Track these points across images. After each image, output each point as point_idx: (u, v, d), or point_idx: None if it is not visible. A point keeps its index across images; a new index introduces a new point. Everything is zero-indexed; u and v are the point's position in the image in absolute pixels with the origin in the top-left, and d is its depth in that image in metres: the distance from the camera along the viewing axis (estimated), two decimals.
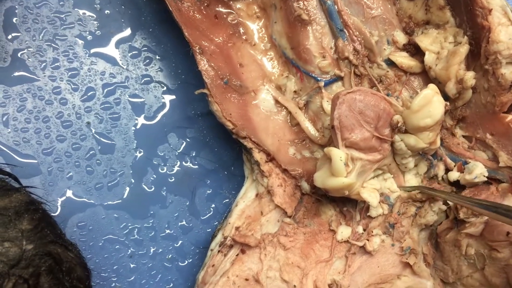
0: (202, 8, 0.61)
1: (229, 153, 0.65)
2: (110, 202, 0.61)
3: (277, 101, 0.62)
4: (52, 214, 0.56)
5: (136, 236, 0.62)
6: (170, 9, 0.59)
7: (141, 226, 0.62)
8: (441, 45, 0.58)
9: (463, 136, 0.60)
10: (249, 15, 0.63)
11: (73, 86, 0.63)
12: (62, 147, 0.61)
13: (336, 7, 0.59)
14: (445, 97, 0.58)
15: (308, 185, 0.60)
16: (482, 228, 0.55)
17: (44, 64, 0.62)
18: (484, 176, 0.57)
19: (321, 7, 0.59)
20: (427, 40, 0.59)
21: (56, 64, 0.62)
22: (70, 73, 0.63)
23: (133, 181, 0.62)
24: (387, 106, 0.55)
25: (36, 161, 0.60)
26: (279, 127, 0.62)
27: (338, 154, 0.52)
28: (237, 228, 0.58)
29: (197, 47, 0.59)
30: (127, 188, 0.62)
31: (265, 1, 0.62)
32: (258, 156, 0.60)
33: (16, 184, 0.52)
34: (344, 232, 0.59)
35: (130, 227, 0.62)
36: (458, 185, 0.59)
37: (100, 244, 0.61)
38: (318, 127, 0.61)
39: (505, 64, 0.54)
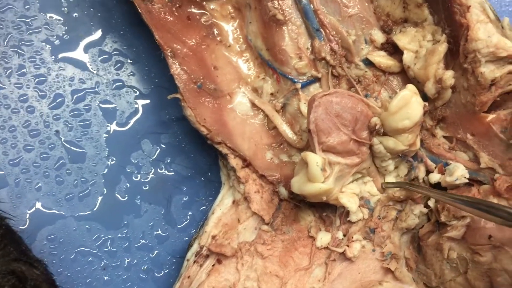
0: (174, 9, 0.59)
1: (205, 158, 0.64)
2: (81, 213, 0.59)
3: (253, 104, 0.60)
4: (20, 227, 0.55)
5: (109, 247, 0.60)
6: (140, 11, 0.57)
7: (115, 237, 0.60)
8: (420, 44, 0.57)
9: (444, 137, 0.58)
10: (223, 16, 0.61)
11: (40, 93, 0.60)
12: (30, 157, 0.59)
13: (312, 6, 0.57)
14: (425, 97, 0.56)
15: (286, 190, 0.58)
16: (463, 231, 0.54)
17: (9, 71, 0.60)
18: (465, 177, 0.55)
19: (296, 7, 0.58)
20: (405, 39, 0.57)
21: (22, 70, 0.60)
22: (37, 79, 0.60)
23: (105, 190, 0.60)
24: (365, 108, 0.53)
25: (2, 172, 0.58)
26: (255, 131, 0.60)
27: (315, 159, 0.51)
28: (213, 237, 0.56)
29: (168, 51, 0.57)
30: (99, 198, 0.60)
31: (239, 1, 0.60)
32: (234, 162, 0.58)
33: None
34: (323, 238, 0.57)
35: (103, 238, 0.60)
36: (439, 187, 0.58)
37: (72, 257, 0.59)
38: (296, 130, 0.60)
39: (484, 63, 0.52)
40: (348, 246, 0.57)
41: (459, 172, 0.55)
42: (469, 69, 0.53)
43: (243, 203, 0.58)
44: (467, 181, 0.56)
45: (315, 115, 0.51)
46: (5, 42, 0.60)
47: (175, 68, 0.57)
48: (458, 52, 0.54)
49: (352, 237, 0.57)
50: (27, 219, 0.58)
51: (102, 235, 0.60)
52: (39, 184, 0.59)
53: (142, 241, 0.61)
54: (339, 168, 0.53)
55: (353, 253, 0.57)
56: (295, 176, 0.53)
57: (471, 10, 0.52)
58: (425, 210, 0.58)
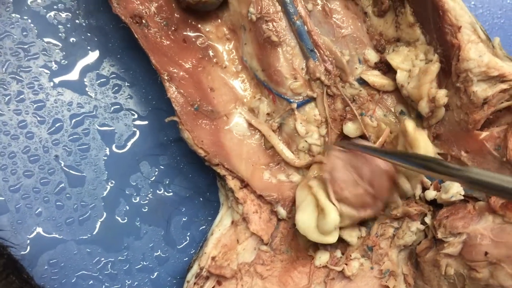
0: (170, 32, 0.60)
1: (204, 179, 0.64)
2: (82, 237, 0.60)
3: (250, 125, 0.61)
4: (21, 253, 0.55)
5: (110, 270, 0.60)
6: (136, 36, 0.57)
7: (115, 260, 0.60)
8: (412, 63, 0.58)
9: (439, 154, 0.59)
10: (218, 38, 0.62)
11: (39, 119, 0.61)
12: (30, 182, 0.60)
13: (306, 28, 0.58)
14: (419, 115, 0.57)
15: (284, 210, 0.59)
16: (460, 248, 0.55)
17: (8, 97, 0.60)
18: (461, 194, 0.56)
19: (290, 28, 0.58)
20: (398, 58, 0.58)
21: (21, 97, 0.61)
22: (36, 105, 0.61)
23: (105, 213, 0.61)
24: (382, 164, 0.54)
25: (3, 198, 0.59)
26: (253, 151, 0.61)
27: (335, 220, 0.52)
28: (213, 258, 0.57)
29: (165, 74, 0.58)
30: (99, 221, 0.61)
31: (234, 23, 0.61)
32: (232, 183, 0.59)
33: None
34: (322, 257, 0.58)
35: (103, 262, 0.60)
36: (435, 204, 0.58)
37: (73, 280, 0.59)
38: (293, 149, 0.60)
39: (476, 82, 0.53)
40: (346, 264, 0.57)
41: (454, 189, 0.56)
42: (462, 88, 0.54)
43: (242, 224, 0.58)
44: (462, 198, 0.56)
45: (331, 166, 0.52)
46: (4, 69, 0.61)
47: (172, 92, 0.58)
48: (450, 71, 0.54)
49: (350, 256, 0.58)
50: (28, 245, 0.58)
51: (103, 258, 0.60)
52: (39, 209, 0.60)
53: (142, 263, 0.61)
54: (350, 222, 0.54)
55: (352, 271, 0.57)
56: (301, 212, 0.54)
57: (462, 30, 0.53)
58: (422, 227, 0.58)
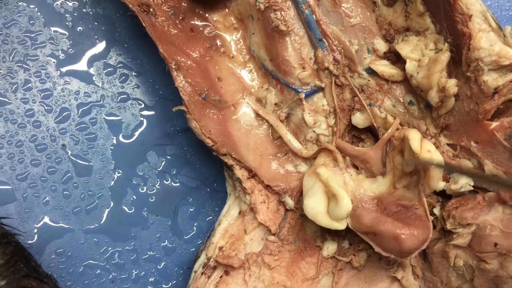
0: (177, 21, 0.59)
1: (211, 169, 0.64)
2: (89, 226, 0.60)
3: (257, 115, 0.61)
4: (28, 242, 0.55)
5: (117, 260, 0.60)
6: (144, 24, 0.57)
7: (122, 250, 0.60)
8: (422, 52, 0.57)
9: (448, 144, 0.58)
10: (226, 27, 0.61)
11: (46, 108, 0.61)
12: (37, 171, 0.60)
13: (314, 17, 0.57)
14: (428, 105, 0.57)
15: (292, 200, 0.58)
16: (469, 239, 0.54)
17: (15, 86, 0.60)
18: (470, 185, 0.56)
19: (299, 17, 0.58)
20: (407, 48, 0.58)
21: (28, 85, 0.61)
22: (43, 94, 0.61)
23: (112, 203, 0.61)
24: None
25: (10, 187, 0.59)
26: (260, 142, 0.60)
27: (348, 207, 0.52)
28: (220, 248, 0.57)
29: (173, 63, 0.58)
30: (106, 211, 0.61)
31: (242, 12, 0.60)
32: (239, 173, 0.58)
33: None
34: (330, 247, 0.57)
35: (110, 251, 0.60)
36: (444, 195, 0.58)
37: (80, 270, 0.59)
38: (301, 139, 0.60)
39: (487, 71, 0.52)
40: (354, 255, 0.57)
41: (463, 180, 0.55)
42: (472, 77, 0.53)
43: (249, 214, 0.58)
44: (472, 188, 0.56)
45: None
46: (11, 58, 0.60)
47: (180, 81, 0.58)
48: (460, 60, 0.54)
49: (358, 246, 0.57)
50: (35, 234, 0.58)
51: (110, 248, 0.60)
52: (47, 198, 0.60)
53: (149, 253, 0.61)
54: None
55: (360, 262, 0.57)
56: (309, 198, 0.54)
57: (473, 19, 0.52)
58: (431, 218, 0.58)
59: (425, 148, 0.52)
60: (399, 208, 0.55)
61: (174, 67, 0.57)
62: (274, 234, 0.57)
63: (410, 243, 0.50)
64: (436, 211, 0.58)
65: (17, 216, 0.58)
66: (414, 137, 0.52)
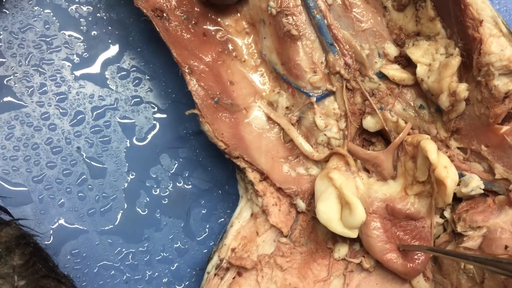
0: (190, 26, 0.60)
1: (222, 171, 0.65)
2: (103, 228, 0.61)
3: (269, 118, 0.61)
4: (45, 243, 0.56)
5: (131, 260, 0.61)
6: (158, 29, 0.58)
7: (136, 251, 0.61)
8: (433, 57, 0.57)
9: (458, 148, 0.59)
10: (238, 32, 0.62)
11: (61, 111, 0.62)
12: (53, 173, 0.61)
13: (326, 22, 0.58)
14: (439, 109, 0.57)
15: (303, 203, 0.59)
16: (480, 241, 0.55)
17: (31, 89, 0.61)
18: (481, 188, 0.56)
19: (310, 22, 0.58)
20: (418, 52, 0.58)
21: (43, 89, 0.62)
22: (58, 97, 0.62)
23: (126, 205, 0.62)
24: None
25: (26, 189, 0.60)
26: (272, 145, 0.61)
27: (363, 216, 0.53)
28: (233, 250, 0.57)
29: (186, 67, 0.58)
30: (120, 212, 0.61)
31: (253, 17, 0.61)
32: (251, 175, 0.59)
33: (6, 217, 0.51)
34: (341, 249, 0.58)
35: (124, 252, 0.61)
36: (455, 198, 0.58)
37: (95, 271, 0.60)
38: (312, 143, 0.61)
39: (498, 76, 0.53)
40: (364, 257, 0.58)
41: (474, 183, 0.56)
42: (483, 82, 0.54)
43: (261, 216, 0.59)
44: (482, 191, 0.56)
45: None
46: (27, 62, 0.61)
47: (193, 85, 0.58)
48: (471, 65, 0.54)
49: None
50: (51, 235, 0.59)
51: (124, 249, 0.61)
52: (62, 200, 0.60)
53: (162, 254, 0.62)
54: None
55: (370, 263, 0.58)
56: (322, 202, 0.54)
57: (484, 24, 0.53)
58: (441, 221, 0.58)
59: (442, 163, 0.52)
60: (408, 221, 0.56)
61: (187, 71, 0.58)
62: (286, 236, 0.58)
63: (414, 275, 0.57)
64: (447, 214, 0.58)
65: (33, 217, 0.59)
66: (432, 150, 0.52)
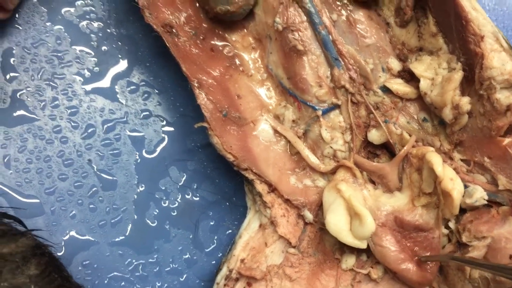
0: (198, 42, 0.61)
1: (230, 183, 0.65)
2: (114, 239, 0.61)
3: (276, 131, 0.62)
4: (57, 254, 0.56)
5: (141, 272, 0.61)
6: (168, 45, 0.59)
7: (146, 262, 0.62)
8: (435, 71, 0.59)
9: (461, 160, 0.60)
10: (244, 47, 0.63)
11: (73, 124, 0.63)
12: (64, 186, 0.61)
13: (331, 37, 0.59)
14: (442, 122, 0.59)
15: (310, 214, 0.60)
16: (485, 251, 0.56)
17: (43, 103, 0.62)
18: (484, 199, 0.57)
19: (315, 37, 0.60)
20: (421, 67, 0.60)
21: (55, 102, 0.63)
22: (69, 111, 0.63)
23: (136, 216, 0.62)
24: None
25: (38, 201, 0.60)
26: (279, 157, 0.62)
27: (373, 227, 0.54)
28: (242, 261, 0.58)
29: (195, 81, 0.59)
30: (130, 224, 0.62)
31: (260, 32, 0.62)
32: (260, 187, 0.60)
33: (21, 228, 0.52)
34: (348, 260, 0.59)
35: (135, 263, 0.61)
36: (459, 209, 0.59)
37: (106, 282, 0.60)
38: (318, 155, 0.62)
39: (500, 89, 0.54)
40: (372, 267, 0.58)
41: (478, 194, 0.57)
42: (485, 95, 0.55)
43: (270, 227, 0.60)
44: (486, 202, 0.57)
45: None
46: (39, 76, 0.63)
47: (202, 98, 0.59)
48: (473, 79, 0.56)
49: (376, 259, 0.59)
50: (63, 246, 0.60)
51: (134, 260, 0.61)
52: (74, 212, 0.61)
53: (172, 266, 0.62)
54: None
55: (378, 274, 0.58)
56: (332, 214, 0.55)
57: (485, 39, 0.54)
58: (446, 231, 0.59)
59: (448, 176, 0.53)
60: (417, 230, 0.57)
61: (196, 85, 0.59)
62: (294, 247, 0.59)
63: (426, 284, 0.57)
64: (451, 224, 0.59)
65: (45, 229, 0.59)
66: (437, 163, 0.54)
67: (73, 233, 0.61)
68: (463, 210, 0.59)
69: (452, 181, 0.53)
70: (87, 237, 0.61)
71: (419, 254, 0.56)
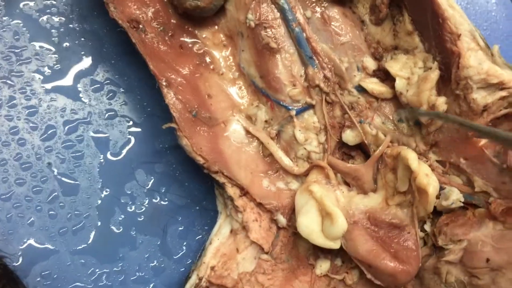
0: (167, 38, 0.59)
1: (200, 187, 0.63)
2: (75, 247, 0.58)
3: (248, 132, 0.60)
4: (13, 264, 0.53)
5: (105, 281, 0.59)
6: (134, 41, 0.56)
7: (110, 271, 0.59)
8: (411, 71, 0.58)
9: (437, 161, 0.59)
10: (215, 44, 0.61)
11: (31, 125, 0.59)
12: (22, 191, 0.58)
13: (305, 34, 0.58)
14: (418, 122, 0.58)
15: (284, 218, 0.58)
16: (461, 255, 0.55)
17: None
18: (461, 201, 0.56)
19: (289, 35, 0.58)
20: (396, 66, 0.58)
21: (12, 102, 0.59)
22: (28, 111, 0.59)
23: (99, 223, 0.59)
24: None
25: None
26: (251, 159, 0.60)
27: (344, 226, 0.52)
28: (212, 268, 0.56)
29: (163, 80, 0.57)
30: (94, 231, 0.59)
31: (231, 29, 0.60)
32: (231, 191, 0.58)
33: None
34: (323, 266, 0.57)
35: (98, 273, 0.58)
36: (434, 211, 0.58)
37: None
38: (291, 156, 0.60)
39: (476, 89, 0.54)
40: (347, 272, 0.57)
41: (454, 196, 0.56)
42: (461, 95, 0.54)
43: (242, 232, 0.57)
44: (462, 204, 0.57)
45: None
46: None
47: (170, 98, 0.57)
48: (449, 78, 0.55)
49: (351, 263, 0.57)
50: (20, 256, 0.56)
51: (97, 270, 0.58)
52: (32, 219, 0.58)
53: (138, 274, 0.60)
54: None
55: (353, 279, 0.57)
56: (303, 216, 0.53)
57: (462, 38, 0.53)
58: (422, 234, 0.58)
59: (423, 171, 0.52)
60: (391, 228, 0.56)
61: (164, 84, 0.57)
62: (267, 253, 0.57)
63: (405, 279, 0.54)
64: (427, 227, 0.58)
65: (1, 237, 0.56)
66: (413, 158, 0.52)
67: (31, 241, 0.57)
68: (438, 213, 0.58)
69: (427, 177, 0.52)
70: (46, 245, 0.58)
71: (396, 250, 0.54)
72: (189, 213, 0.62)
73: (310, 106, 0.60)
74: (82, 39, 0.62)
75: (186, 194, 0.63)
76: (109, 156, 0.61)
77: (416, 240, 0.55)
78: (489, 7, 0.72)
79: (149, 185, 0.62)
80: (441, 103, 0.55)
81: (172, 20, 0.59)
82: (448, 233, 0.56)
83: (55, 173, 0.59)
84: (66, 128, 0.60)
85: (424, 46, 0.58)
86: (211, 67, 0.61)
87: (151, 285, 0.60)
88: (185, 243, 0.62)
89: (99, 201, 0.60)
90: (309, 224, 0.53)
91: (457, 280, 0.55)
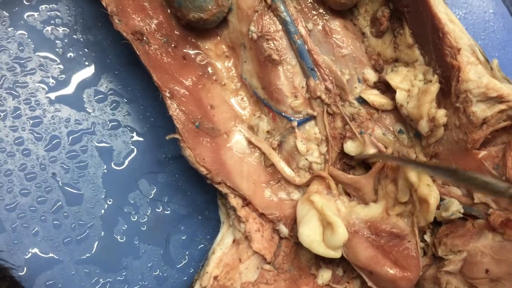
0: (170, 50, 0.59)
1: (202, 196, 0.63)
2: (80, 257, 0.59)
3: (250, 142, 0.61)
4: (18, 274, 0.53)
5: None
6: (138, 52, 0.57)
7: (114, 280, 0.59)
8: (411, 83, 0.58)
9: None
10: (218, 55, 0.62)
11: (36, 136, 0.60)
12: (27, 201, 0.58)
13: (306, 47, 0.58)
14: (417, 134, 0.58)
15: (286, 228, 0.58)
16: (461, 265, 0.55)
17: (4, 113, 0.59)
18: (460, 212, 0.57)
19: (291, 47, 0.59)
20: (397, 78, 0.59)
21: (17, 113, 0.59)
22: (32, 121, 0.60)
23: (103, 232, 0.60)
24: None
25: None
26: (253, 169, 0.61)
27: (345, 235, 0.53)
28: (215, 278, 0.56)
29: (167, 91, 0.57)
30: (97, 241, 0.59)
31: (234, 40, 0.61)
32: (234, 201, 0.58)
33: None
34: (324, 275, 0.58)
35: (102, 282, 0.59)
36: (434, 222, 0.59)
37: None
38: (293, 167, 0.60)
39: (476, 102, 0.54)
40: (348, 282, 0.58)
41: (454, 207, 0.57)
42: (461, 108, 0.55)
43: (244, 242, 0.58)
44: (461, 215, 0.57)
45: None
46: (0, 85, 0.59)
47: (174, 109, 0.57)
48: (449, 91, 0.56)
49: (352, 273, 0.58)
50: (25, 265, 0.57)
51: (101, 279, 0.59)
52: (36, 229, 0.58)
53: (141, 283, 0.60)
54: None
55: None
56: (304, 225, 0.54)
57: (462, 52, 0.54)
58: (422, 245, 0.59)
59: (424, 182, 0.53)
60: (392, 237, 0.56)
61: (168, 95, 0.57)
62: (269, 263, 0.57)
63: (405, 286, 0.54)
64: (427, 237, 0.59)
65: (6, 248, 0.56)
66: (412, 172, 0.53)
67: (35, 251, 0.58)
68: (438, 223, 0.59)
69: (428, 187, 0.53)
70: (51, 255, 0.58)
71: (397, 258, 0.55)
72: (191, 222, 0.63)
73: (311, 117, 0.60)
74: (86, 50, 0.62)
75: (189, 204, 0.63)
76: (112, 166, 0.61)
77: (417, 249, 0.56)
78: (487, 17, 0.73)
79: (152, 195, 0.62)
80: (441, 115, 0.55)
81: (175, 32, 0.59)
82: (448, 243, 0.56)
83: (60, 183, 0.59)
84: (70, 138, 0.61)
85: (424, 59, 0.58)
86: (214, 78, 0.61)
87: None
88: (187, 253, 0.62)
89: (103, 211, 0.60)
90: (310, 234, 0.54)
91: None
